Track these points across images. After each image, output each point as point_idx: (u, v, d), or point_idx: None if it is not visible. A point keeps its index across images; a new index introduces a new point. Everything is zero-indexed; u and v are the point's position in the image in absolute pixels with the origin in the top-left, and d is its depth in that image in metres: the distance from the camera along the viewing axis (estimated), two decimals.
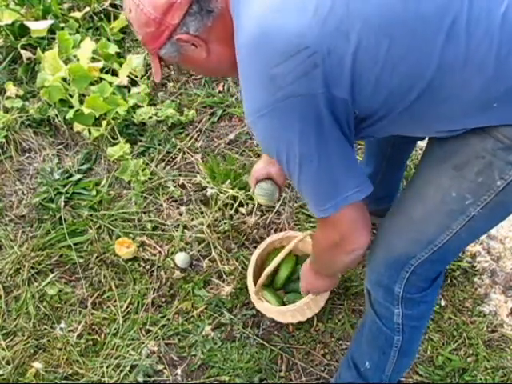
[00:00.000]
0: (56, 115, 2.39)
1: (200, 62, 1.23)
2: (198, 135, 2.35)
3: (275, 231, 2.05)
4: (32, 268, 2.05)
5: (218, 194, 2.09)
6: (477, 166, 1.12)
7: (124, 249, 2.01)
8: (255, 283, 1.77)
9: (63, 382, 1.82)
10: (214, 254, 2.02)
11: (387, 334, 1.44)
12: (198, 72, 1.41)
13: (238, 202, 2.08)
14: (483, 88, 1.04)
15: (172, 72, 2.51)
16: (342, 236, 1.22)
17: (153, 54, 1.24)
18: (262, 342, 1.83)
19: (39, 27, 2.55)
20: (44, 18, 2.63)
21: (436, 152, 1.20)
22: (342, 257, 1.28)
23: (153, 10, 1.13)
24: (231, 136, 2.32)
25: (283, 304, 1.82)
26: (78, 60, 2.42)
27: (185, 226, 2.09)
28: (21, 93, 2.49)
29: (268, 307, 1.78)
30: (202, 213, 2.11)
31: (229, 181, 2.10)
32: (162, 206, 2.15)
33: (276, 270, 1.88)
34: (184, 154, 2.29)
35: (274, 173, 1.71)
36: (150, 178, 2.21)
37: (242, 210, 2.08)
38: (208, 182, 2.15)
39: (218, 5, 1.14)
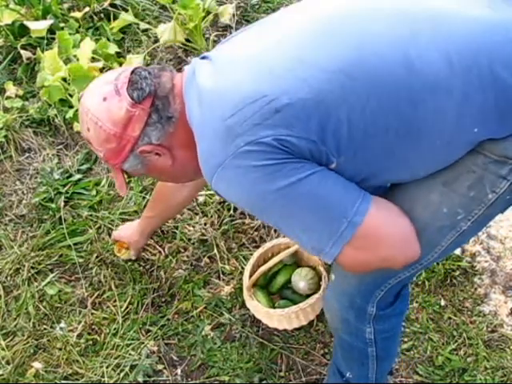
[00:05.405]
0: (56, 115, 2.39)
1: (166, 170, 1.21)
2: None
3: (275, 231, 2.05)
4: (32, 268, 2.04)
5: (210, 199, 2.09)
6: (468, 181, 1.08)
7: (123, 250, 1.99)
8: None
9: (63, 381, 1.82)
10: (214, 253, 2.02)
11: (359, 347, 1.41)
12: (164, 180, 1.39)
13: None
14: (458, 114, 1.01)
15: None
16: (384, 253, 1.08)
17: (116, 169, 1.23)
18: (261, 341, 1.83)
19: (39, 27, 2.55)
20: (44, 17, 2.63)
21: None
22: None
23: (112, 126, 1.12)
24: None
25: (273, 308, 1.81)
26: (77, 60, 2.42)
27: (185, 226, 2.09)
28: (21, 93, 2.49)
29: (257, 307, 1.78)
30: (202, 212, 2.11)
31: None
32: None
33: (275, 275, 1.88)
34: None
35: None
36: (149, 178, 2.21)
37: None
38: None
39: (177, 107, 1.13)
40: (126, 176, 1.27)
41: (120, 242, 1.97)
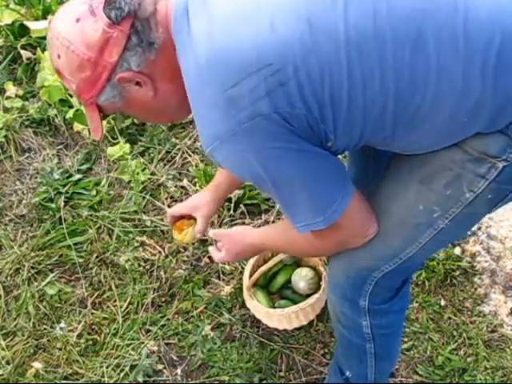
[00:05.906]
0: (56, 115, 2.39)
1: (146, 104, 1.11)
2: (198, 135, 2.34)
3: None
4: (32, 268, 2.04)
5: None
6: (445, 179, 1.08)
7: (184, 231, 1.67)
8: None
9: (63, 381, 1.82)
10: None
11: (358, 343, 1.41)
12: (142, 117, 1.30)
13: (233, 203, 2.08)
14: (455, 104, 0.99)
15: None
16: (353, 233, 1.17)
17: (90, 105, 1.09)
18: (261, 341, 1.83)
19: (39, 27, 2.55)
20: (44, 17, 2.63)
21: (402, 165, 1.16)
22: (349, 247, 1.22)
23: (86, 50, 1.00)
24: None
25: (273, 308, 1.81)
26: None
27: None
28: (21, 93, 2.49)
29: (257, 306, 1.78)
30: None
31: None
32: (161, 205, 2.15)
33: (275, 275, 1.88)
34: (184, 153, 2.29)
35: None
36: (149, 178, 2.21)
37: (243, 209, 2.08)
38: (200, 187, 2.14)
39: (159, 35, 1.03)
40: (101, 115, 1.13)
41: (179, 224, 1.68)
